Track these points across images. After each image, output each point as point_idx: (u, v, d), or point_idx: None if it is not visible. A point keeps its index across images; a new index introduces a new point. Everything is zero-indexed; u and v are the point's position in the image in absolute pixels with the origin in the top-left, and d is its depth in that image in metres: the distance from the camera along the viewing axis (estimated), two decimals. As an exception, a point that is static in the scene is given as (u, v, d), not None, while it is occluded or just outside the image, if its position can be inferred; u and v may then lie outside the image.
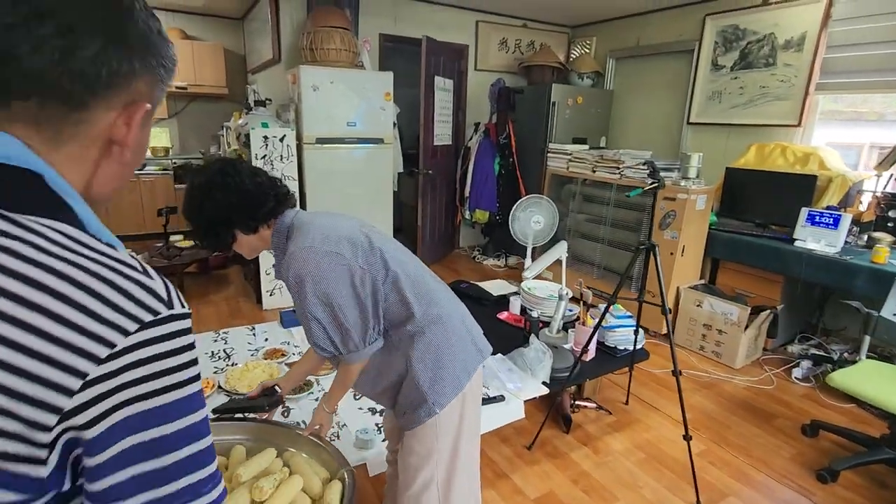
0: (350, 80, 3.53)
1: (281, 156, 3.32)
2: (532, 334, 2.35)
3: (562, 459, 2.00)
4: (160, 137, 5.55)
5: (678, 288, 3.14)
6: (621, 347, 2.34)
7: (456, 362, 1.16)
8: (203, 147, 5.54)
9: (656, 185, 1.94)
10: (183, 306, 0.44)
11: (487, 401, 1.92)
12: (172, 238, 4.15)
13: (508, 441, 2.11)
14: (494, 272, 4.60)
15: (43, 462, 0.37)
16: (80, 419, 0.37)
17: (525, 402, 1.97)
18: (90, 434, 0.37)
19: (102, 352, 0.37)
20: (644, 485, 1.88)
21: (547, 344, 2.28)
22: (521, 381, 2.04)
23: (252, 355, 2.19)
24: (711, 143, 4.02)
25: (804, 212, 2.83)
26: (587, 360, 2.25)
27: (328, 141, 3.55)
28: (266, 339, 2.35)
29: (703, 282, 3.29)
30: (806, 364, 2.82)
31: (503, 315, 2.79)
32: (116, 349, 0.38)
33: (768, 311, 2.88)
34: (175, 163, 5.37)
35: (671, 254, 3.06)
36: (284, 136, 3.31)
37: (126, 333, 0.39)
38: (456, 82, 4.60)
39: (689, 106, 4.18)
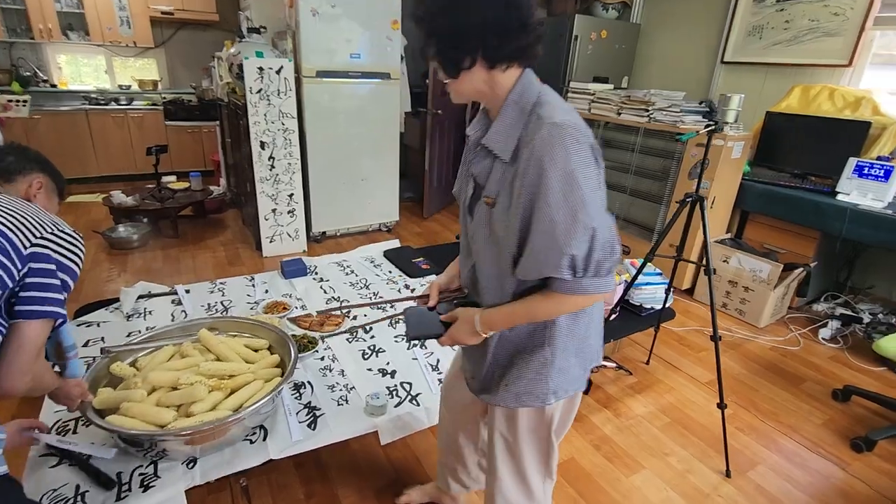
0: (353, 4, 3.16)
1: (278, 90, 3.03)
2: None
3: (581, 422, 1.89)
4: (148, 69, 5.16)
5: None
6: (647, 306, 2.18)
7: (591, 356, 1.01)
8: (194, 80, 5.16)
9: (713, 127, 1.70)
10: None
11: (506, 362, 1.78)
12: (165, 179, 3.91)
13: (525, 402, 2.00)
14: (504, 221, 4.40)
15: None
16: None
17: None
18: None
19: None
20: (670, 452, 1.78)
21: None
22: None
23: (252, 308, 2.04)
24: (746, 86, 3.68)
25: (852, 162, 2.59)
26: (611, 318, 2.10)
27: (330, 74, 3.23)
28: (266, 291, 2.19)
29: (728, 236, 3.09)
30: (834, 324, 2.68)
31: (519, 268, 2.61)
32: None
33: (801, 269, 2.71)
34: (164, 97, 5.02)
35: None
36: (282, 67, 2.99)
37: None
38: (469, 11, 4.18)
39: (724, 43, 3.80)
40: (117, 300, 2.02)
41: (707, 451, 1.80)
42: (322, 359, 1.73)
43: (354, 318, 2.02)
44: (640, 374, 2.24)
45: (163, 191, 3.68)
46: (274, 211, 3.26)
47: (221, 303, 2.07)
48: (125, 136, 4.77)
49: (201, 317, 1.90)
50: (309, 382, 1.59)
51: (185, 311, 1.98)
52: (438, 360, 1.77)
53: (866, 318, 2.69)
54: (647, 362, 2.32)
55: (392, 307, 2.06)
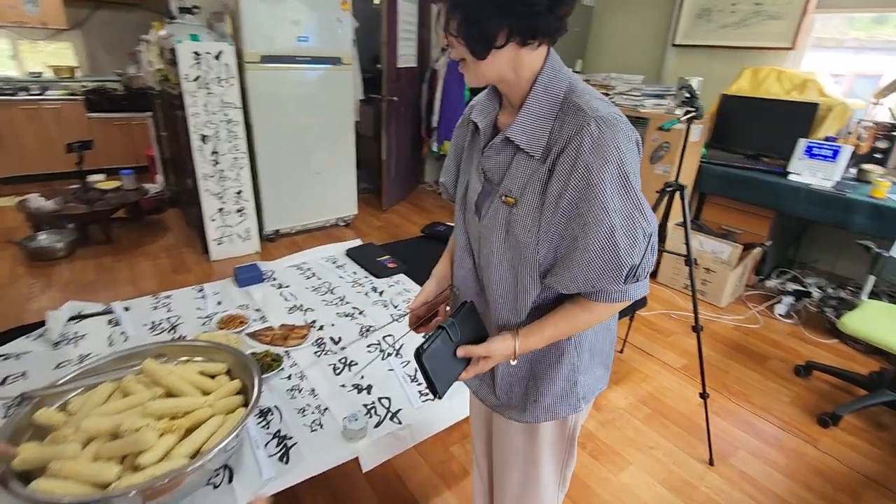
0: (297, -17, 2.91)
1: (218, 77, 2.75)
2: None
3: (565, 421, 1.85)
4: (63, 54, 4.62)
5: (665, 225, 2.98)
6: (622, 296, 2.16)
7: (611, 351, 0.98)
8: (119, 66, 4.67)
9: (694, 114, 1.65)
10: None
11: (488, 367, 1.69)
12: (91, 178, 3.52)
13: (505, 403, 1.94)
14: (465, 210, 4.31)
15: None
16: None
17: (528, 364, 1.77)
18: None
19: None
20: (654, 444, 1.78)
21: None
22: (521, 341, 1.83)
23: (204, 324, 1.84)
24: (697, 68, 3.74)
25: (802, 143, 2.67)
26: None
27: (276, 59, 2.98)
28: (219, 303, 1.99)
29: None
30: (788, 300, 2.80)
31: (488, 262, 2.53)
32: None
33: (758, 248, 2.79)
34: (85, 86, 4.51)
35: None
36: (221, 52, 2.72)
37: None
38: (420, -9, 3.99)
39: (674, 25, 3.84)
40: (41, 325, 1.76)
41: (689, 440, 1.80)
42: (289, 377, 1.58)
43: (321, 327, 1.87)
44: (615, 364, 2.22)
45: (90, 192, 3.30)
46: (221, 210, 2.99)
47: (167, 320, 1.85)
48: (40, 131, 4.25)
49: (144, 343, 1.68)
50: (276, 407, 1.44)
51: (124, 333, 1.76)
52: (416, 370, 1.66)
53: (815, 293, 2.81)
54: (622, 351, 2.31)
55: (388, 341, 1.85)
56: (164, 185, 4.02)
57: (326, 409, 1.45)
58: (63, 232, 3.10)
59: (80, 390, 1.27)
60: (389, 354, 1.72)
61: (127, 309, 1.90)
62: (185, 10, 2.97)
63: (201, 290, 2.08)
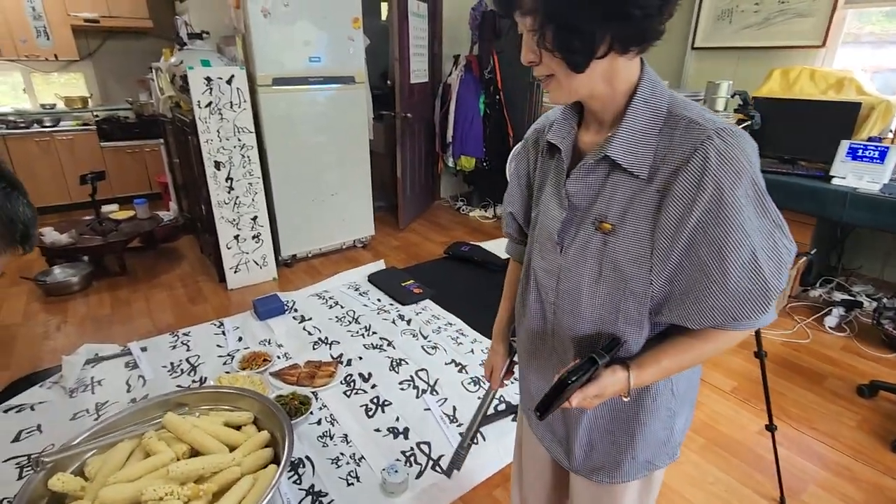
0: (309, 3, 2.85)
1: (230, 102, 2.69)
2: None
3: (615, 456, 1.70)
4: (74, 85, 4.63)
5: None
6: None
7: (698, 383, 0.85)
8: (130, 94, 4.67)
9: (749, 122, 1.53)
10: None
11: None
12: (105, 209, 3.47)
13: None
14: (483, 225, 4.19)
15: None
16: None
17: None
18: None
19: None
20: (715, 480, 1.62)
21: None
22: (564, 372, 1.69)
23: (225, 364, 1.73)
24: (719, 71, 3.62)
25: (844, 144, 2.52)
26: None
27: (288, 81, 2.91)
28: (240, 339, 1.89)
29: (723, 227, 3.00)
30: (838, 311, 2.62)
31: (518, 283, 2.40)
32: None
33: (804, 258, 2.63)
34: (97, 115, 4.51)
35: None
36: (232, 77, 2.65)
37: None
38: (430, 5, 3.93)
39: (693, 28, 3.72)
40: (56, 369, 1.67)
41: (752, 474, 1.65)
42: (319, 422, 1.46)
43: (349, 362, 1.75)
44: (661, 389, 2.08)
45: (104, 223, 3.25)
46: (237, 238, 2.91)
47: (187, 360, 1.75)
48: (54, 163, 4.24)
49: (164, 387, 1.58)
50: (308, 458, 1.32)
51: (142, 377, 1.66)
52: (455, 409, 1.53)
53: (866, 303, 2.64)
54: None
55: (422, 377, 1.74)
56: (177, 212, 3.96)
57: (362, 458, 1.33)
58: (78, 265, 3.04)
59: (97, 448, 1.16)
60: (424, 392, 1.60)
61: (144, 349, 1.81)
62: (194, 36, 2.92)
63: (220, 325, 1.99)
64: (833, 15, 3.01)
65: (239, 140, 2.79)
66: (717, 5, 3.58)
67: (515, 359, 0.98)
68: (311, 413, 1.49)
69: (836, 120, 2.61)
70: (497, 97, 4.05)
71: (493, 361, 1.00)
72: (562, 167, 0.73)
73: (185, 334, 1.91)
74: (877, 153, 2.42)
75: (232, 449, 1.21)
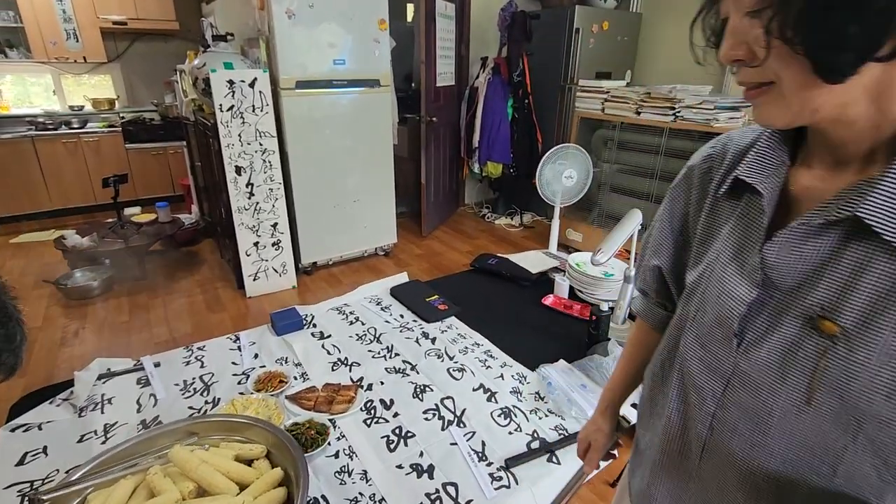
0: (335, 4, 2.76)
1: (253, 106, 2.61)
2: (602, 332, 1.85)
3: None
4: (103, 87, 4.66)
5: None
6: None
7: None
8: (155, 97, 4.68)
9: None
10: None
11: (567, 439, 1.42)
12: (127, 212, 3.46)
13: (583, 473, 1.65)
14: (510, 234, 4.05)
15: None
16: None
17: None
18: None
19: None
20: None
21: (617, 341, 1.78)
22: (603, 404, 1.54)
23: (240, 383, 1.64)
24: (763, 75, 3.41)
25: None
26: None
27: (311, 85, 2.83)
28: (256, 356, 1.79)
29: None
30: None
31: (549, 300, 2.27)
32: None
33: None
34: (123, 117, 4.53)
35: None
36: (255, 80, 2.58)
37: None
38: (458, 5, 3.81)
39: (736, 29, 3.52)
40: (68, 384, 1.60)
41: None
42: (336, 455, 1.35)
43: (369, 387, 1.64)
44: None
45: (125, 226, 3.22)
46: (256, 245, 2.84)
47: (200, 378, 1.66)
48: (80, 165, 4.26)
49: (175, 415, 1.49)
50: (323, 498, 1.21)
51: (154, 395, 1.57)
52: (484, 444, 1.40)
53: None
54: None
55: (448, 406, 1.63)
56: (198, 216, 3.93)
57: (382, 500, 1.21)
58: (99, 269, 3.01)
59: (97, 483, 1.07)
60: (450, 423, 1.47)
61: (157, 365, 1.73)
62: (219, 38, 2.87)
63: (236, 340, 1.90)
64: None
65: (260, 145, 2.71)
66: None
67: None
68: (329, 444, 1.37)
69: None
70: (526, 101, 3.91)
71: (593, 437, 0.78)
72: (757, 220, 0.49)
73: (199, 349, 1.83)
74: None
75: (243, 486, 1.10)
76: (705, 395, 0.52)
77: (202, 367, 1.73)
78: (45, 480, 1.25)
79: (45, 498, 1.00)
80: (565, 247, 3.54)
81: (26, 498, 1.02)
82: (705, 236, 0.56)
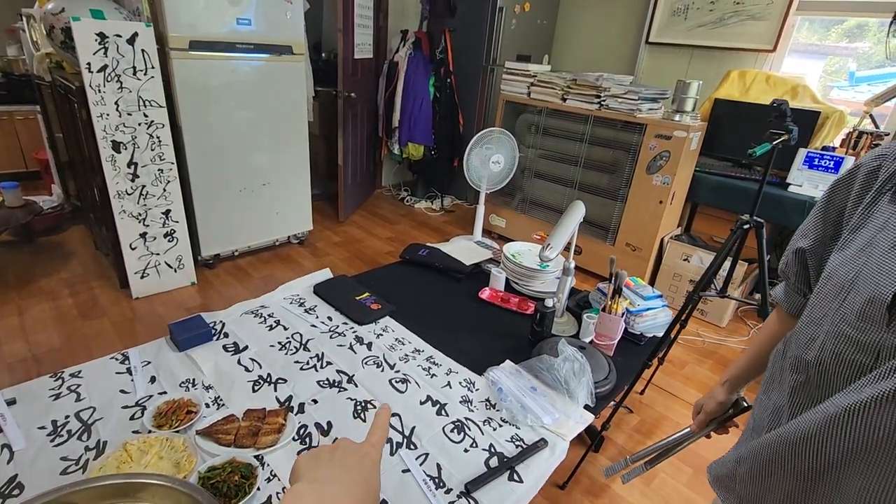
0: (234, -49, 2.35)
1: (134, 68, 2.15)
2: (546, 329, 1.79)
3: (608, 498, 1.54)
4: (-88, 29, 3.63)
5: (662, 240, 2.78)
6: (649, 334, 1.89)
7: None
8: (-7, 48, 3.77)
9: (786, 138, 1.38)
10: None
11: (526, 452, 1.34)
12: (-41, 193, 2.73)
13: (532, 477, 1.60)
14: (430, 219, 3.91)
15: None
16: None
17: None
18: None
19: None
20: (711, 517, 1.52)
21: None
22: (557, 409, 1.49)
23: (132, 418, 1.32)
24: (671, 68, 3.59)
25: (802, 153, 2.55)
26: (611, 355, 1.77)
27: (209, 46, 2.40)
28: (153, 380, 1.47)
29: (679, 231, 2.98)
30: (785, 316, 2.69)
31: (485, 294, 2.18)
32: None
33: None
34: (-53, 71, 3.58)
35: (660, 202, 2.65)
36: (136, 35, 2.11)
37: None
38: (376, -28, 3.51)
39: (648, 22, 3.65)
40: None
41: None
42: (268, 501, 1.13)
43: (300, 408, 1.42)
44: (639, 411, 1.96)
45: (-43, 212, 2.54)
46: (144, 236, 2.39)
47: (77, 416, 1.31)
48: None
49: (40, 493, 1.14)
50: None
51: (7, 446, 1.21)
52: (440, 468, 1.27)
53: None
54: (643, 392, 2.06)
55: (395, 425, 1.47)
56: (62, 198, 3.26)
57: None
58: (-82, 268, 2.35)
59: None
60: (399, 445, 1.31)
61: (12, 402, 1.33)
62: (82, -21, 2.31)
63: (125, 360, 1.54)
64: (785, 20, 3.04)
65: (145, 116, 2.26)
66: (673, 0, 3.53)
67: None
68: (258, 489, 1.15)
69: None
70: (448, 80, 3.75)
71: (705, 402, 0.88)
72: None
73: (74, 375, 1.45)
74: (832, 163, 2.46)
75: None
76: (851, 372, 0.54)
77: (78, 399, 1.37)
78: None
79: None
80: (489, 232, 3.49)
81: None
82: (859, 225, 0.59)
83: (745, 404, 0.84)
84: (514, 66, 3.20)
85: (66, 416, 1.30)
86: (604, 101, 2.74)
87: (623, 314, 1.78)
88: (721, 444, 0.91)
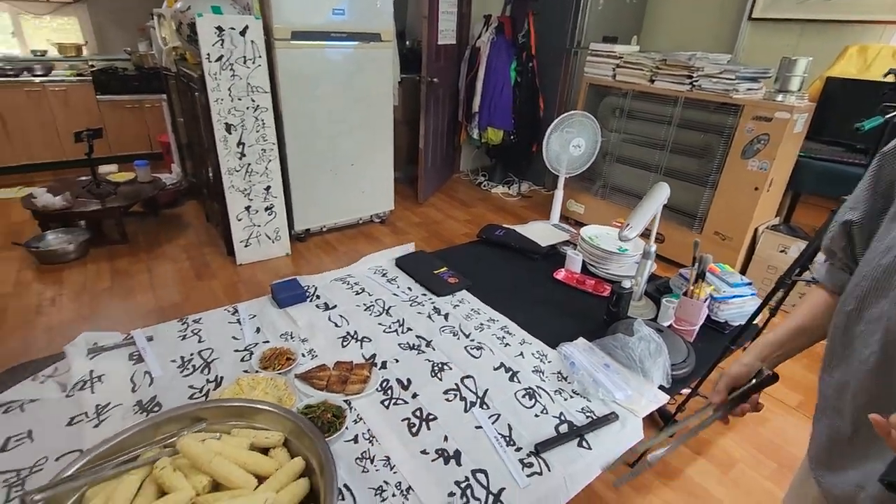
0: (333, -56, 2.52)
1: (244, 57, 2.39)
2: (622, 310, 1.78)
3: (680, 480, 1.52)
4: (68, 30, 4.25)
5: (756, 229, 2.60)
6: (734, 323, 1.81)
7: None
8: (128, 43, 4.31)
9: None
10: None
11: (596, 423, 1.36)
12: (103, 170, 3.21)
13: (601, 453, 1.61)
14: (507, 203, 3.94)
15: None
16: None
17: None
18: None
19: None
20: (795, 515, 1.44)
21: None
22: (630, 386, 1.49)
23: (242, 360, 1.52)
24: (776, 46, 3.31)
25: (931, 136, 2.26)
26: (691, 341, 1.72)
27: (308, 36, 2.60)
28: (258, 330, 1.67)
29: (777, 220, 2.77)
30: None
31: (560, 275, 2.19)
32: None
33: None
34: (93, 65, 4.16)
35: (756, 189, 2.48)
36: (247, 27, 2.35)
37: None
38: (462, -42, 3.56)
39: (752, -4, 3.38)
40: (49, 360, 1.46)
41: None
42: (355, 439, 1.26)
43: (384, 365, 1.54)
44: (720, 401, 1.89)
45: (101, 185, 2.98)
46: (248, 209, 2.66)
47: (199, 354, 1.53)
48: (45, 116, 3.92)
49: (178, 406, 1.36)
50: (346, 487, 1.12)
51: (149, 373, 1.44)
52: (510, 428, 1.33)
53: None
54: (724, 384, 1.97)
55: (469, 385, 1.53)
56: (181, 176, 3.69)
57: (409, 488, 1.13)
58: (74, 231, 2.80)
59: (96, 477, 0.95)
60: (473, 404, 1.40)
61: (150, 339, 1.59)
62: (204, -22, 2.59)
63: (235, 313, 1.76)
64: (920, -14, 2.69)
65: (252, 101, 2.50)
66: (781, -29, 3.24)
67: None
68: (346, 428, 1.28)
69: (925, 107, 2.34)
70: (530, 64, 3.73)
71: (731, 368, 0.82)
72: None
73: (195, 321, 1.69)
74: (970, 147, 2.16)
75: (260, 479, 1.00)
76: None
77: (200, 341, 1.59)
78: (33, 469, 1.13)
79: (37, 497, 0.88)
80: (566, 218, 3.46)
81: (19, 498, 0.90)
82: None
83: (768, 373, 0.78)
84: (599, 47, 3.13)
85: (191, 354, 1.53)
86: (696, 81, 2.60)
87: (706, 300, 1.72)
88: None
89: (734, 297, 1.79)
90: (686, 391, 1.87)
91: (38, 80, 3.83)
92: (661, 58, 2.76)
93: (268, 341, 1.60)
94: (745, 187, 2.50)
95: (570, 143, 2.98)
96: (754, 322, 1.79)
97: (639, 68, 2.87)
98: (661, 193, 1.80)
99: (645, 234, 1.91)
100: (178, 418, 1.08)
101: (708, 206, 2.71)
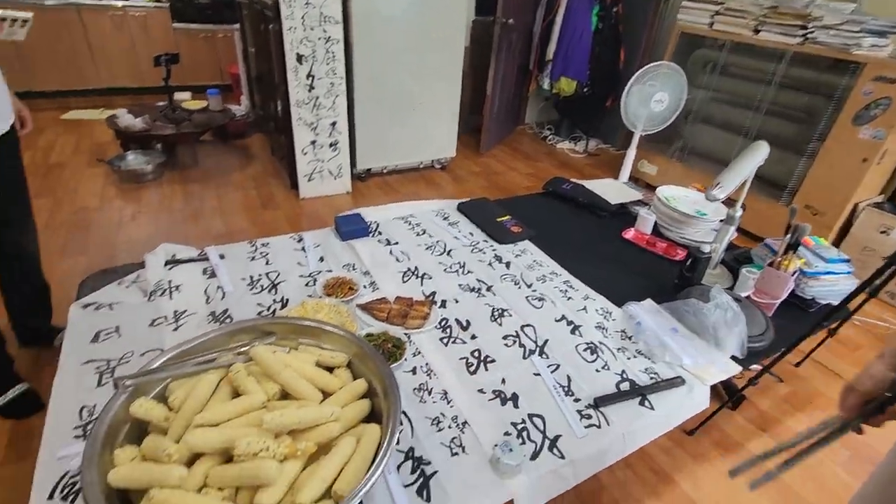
0: None
1: (320, -17, 2.32)
2: (697, 276, 1.68)
3: (739, 455, 1.46)
4: (148, -44, 4.29)
5: (856, 206, 2.35)
6: (822, 301, 1.66)
7: None
8: (205, -28, 4.31)
9: None
10: None
11: (661, 385, 1.31)
12: (178, 96, 3.30)
13: (656, 418, 1.57)
14: (572, 160, 3.77)
15: None
16: None
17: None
18: None
19: None
20: None
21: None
22: (699, 353, 1.41)
23: (307, 285, 1.55)
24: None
25: None
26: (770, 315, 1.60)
27: (384, -36, 2.49)
28: (322, 259, 1.70)
29: (882, 198, 2.49)
30: None
31: (629, 234, 2.08)
32: None
33: None
34: (170, -8, 4.21)
35: (864, 160, 2.22)
36: (324, -50, 2.27)
37: None
38: None
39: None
40: (131, 267, 1.55)
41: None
42: (413, 371, 1.27)
43: (443, 303, 1.53)
44: (791, 382, 1.77)
45: (177, 111, 3.08)
46: (313, 143, 2.68)
47: (267, 276, 1.58)
48: (126, 41, 4.05)
49: (245, 309, 1.43)
50: (405, 414, 1.14)
51: (221, 288, 1.51)
52: (570, 379, 1.30)
53: None
54: (799, 364, 1.85)
55: (529, 334, 1.47)
56: (248, 108, 3.75)
57: (466, 423, 1.14)
58: (151, 153, 2.93)
59: (178, 373, 1.01)
60: (532, 352, 1.37)
61: (223, 257, 1.65)
62: None
63: (300, 241, 1.80)
64: None
65: (324, 31, 2.45)
66: None
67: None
68: (406, 360, 1.29)
69: None
70: (615, 10, 3.44)
71: (860, 380, 0.68)
72: None
73: (263, 245, 1.74)
74: None
75: (325, 394, 1.03)
76: None
77: (268, 264, 1.64)
78: (121, 360, 1.21)
79: (128, 383, 0.95)
80: (636, 179, 3.27)
81: (113, 381, 0.97)
82: None
83: None
84: (697, -10, 2.82)
85: (259, 274, 1.58)
86: (810, 32, 2.30)
87: (794, 273, 1.58)
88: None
89: (827, 272, 1.64)
90: (757, 367, 1.76)
91: (120, 3, 3.93)
92: (770, 5, 2.45)
93: (331, 270, 1.63)
94: (851, 157, 2.24)
95: (652, 97, 2.76)
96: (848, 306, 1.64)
97: (742, 16, 2.57)
98: (759, 153, 1.63)
99: (731, 200, 1.75)
100: (250, 329, 1.12)
101: (802, 176, 2.46)
